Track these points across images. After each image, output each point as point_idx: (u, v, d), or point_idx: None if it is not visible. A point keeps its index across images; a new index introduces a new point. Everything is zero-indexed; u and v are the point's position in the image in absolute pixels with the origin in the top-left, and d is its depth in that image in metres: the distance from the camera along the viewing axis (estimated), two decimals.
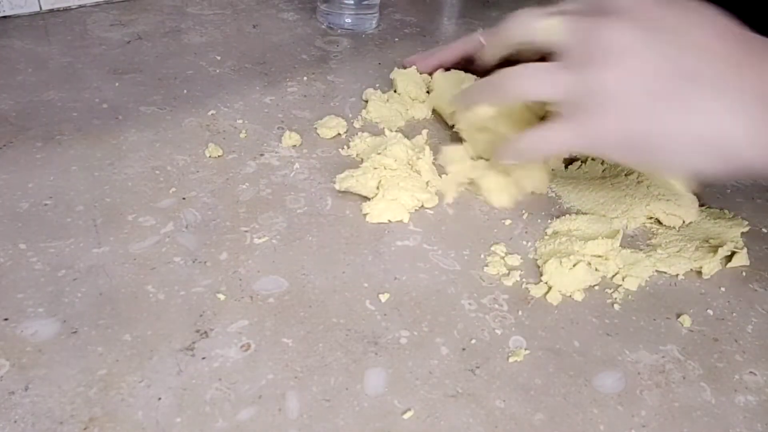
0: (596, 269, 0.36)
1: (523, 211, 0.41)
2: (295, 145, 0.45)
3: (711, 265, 0.38)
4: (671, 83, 0.30)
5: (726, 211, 0.43)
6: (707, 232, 0.41)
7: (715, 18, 0.32)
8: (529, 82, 0.34)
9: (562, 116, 0.33)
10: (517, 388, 0.30)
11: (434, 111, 0.51)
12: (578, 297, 0.35)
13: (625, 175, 0.44)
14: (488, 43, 0.40)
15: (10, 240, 0.35)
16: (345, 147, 0.45)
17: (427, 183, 0.41)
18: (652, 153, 0.31)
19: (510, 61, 0.38)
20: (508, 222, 0.40)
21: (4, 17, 0.59)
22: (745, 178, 0.31)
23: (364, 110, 0.50)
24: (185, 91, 0.51)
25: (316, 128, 0.47)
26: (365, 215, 0.39)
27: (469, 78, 0.49)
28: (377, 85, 0.53)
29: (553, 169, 0.45)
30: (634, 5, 0.32)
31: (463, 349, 0.32)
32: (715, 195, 0.45)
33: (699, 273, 0.38)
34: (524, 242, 0.39)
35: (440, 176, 0.43)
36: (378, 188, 0.40)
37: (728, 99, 0.30)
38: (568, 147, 0.36)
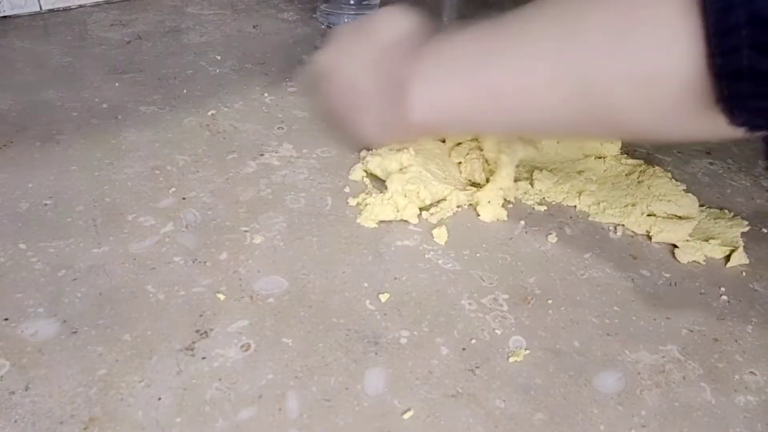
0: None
1: (525, 214, 0.41)
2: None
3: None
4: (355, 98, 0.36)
5: (726, 211, 0.43)
6: (707, 232, 0.41)
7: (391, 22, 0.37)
8: None
9: None
10: (517, 388, 0.30)
11: None
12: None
13: (626, 175, 0.44)
14: None
15: (10, 240, 0.35)
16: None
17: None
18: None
19: None
20: (508, 223, 0.40)
21: (4, 17, 0.59)
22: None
23: None
24: (185, 90, 0.51)
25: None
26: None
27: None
28: None
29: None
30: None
31: (463, 349, 0.32)
32: (715, 195, 0.45)
33: (673, 253, 0.39)
34: (523, 242, 0.39)
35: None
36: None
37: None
38: None
